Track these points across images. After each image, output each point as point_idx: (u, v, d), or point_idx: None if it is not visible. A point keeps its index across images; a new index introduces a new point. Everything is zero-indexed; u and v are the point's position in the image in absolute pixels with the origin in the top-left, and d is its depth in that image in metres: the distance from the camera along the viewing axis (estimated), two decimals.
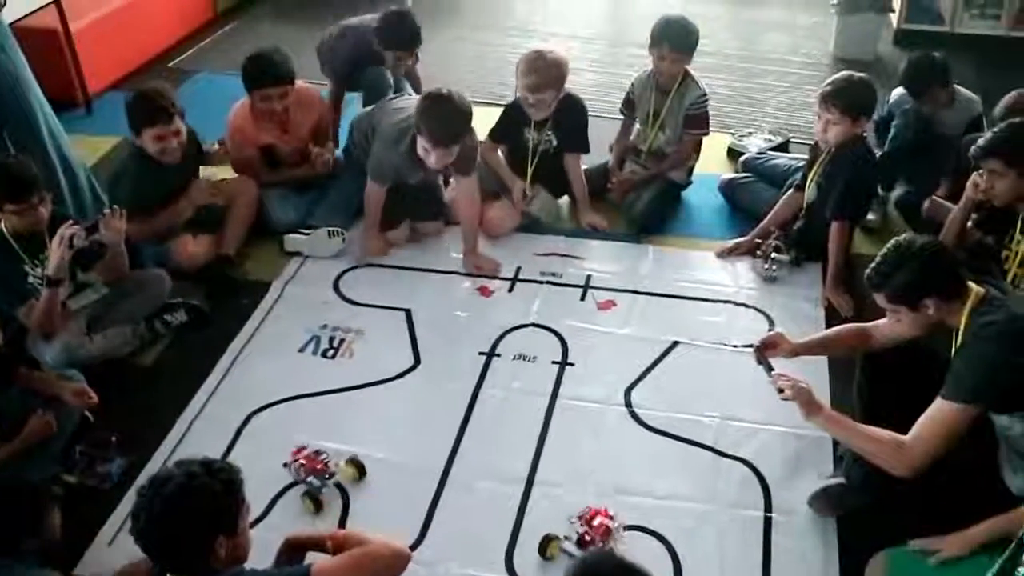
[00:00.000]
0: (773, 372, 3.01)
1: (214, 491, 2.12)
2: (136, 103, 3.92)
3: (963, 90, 4.43)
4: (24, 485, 2.70)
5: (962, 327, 2.69)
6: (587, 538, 2.84)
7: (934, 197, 4.05)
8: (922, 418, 2.65)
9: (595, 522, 2.86)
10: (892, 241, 2.82)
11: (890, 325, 2.93)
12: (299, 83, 4.44)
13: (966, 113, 4.37)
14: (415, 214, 4.41)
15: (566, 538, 2.87)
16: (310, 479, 3.06)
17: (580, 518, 2.89)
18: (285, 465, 3.12)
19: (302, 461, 3.09)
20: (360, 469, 3.14)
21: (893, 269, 2.73)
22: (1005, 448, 2.73)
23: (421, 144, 3.87)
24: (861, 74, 3.96)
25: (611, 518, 2.88)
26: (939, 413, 2.62)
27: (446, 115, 3.81)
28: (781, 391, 2.91)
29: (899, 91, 4.51)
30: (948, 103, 4.37)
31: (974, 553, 2.50)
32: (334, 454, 3.15)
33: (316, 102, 4.57)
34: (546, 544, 2.86)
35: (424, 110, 3.82)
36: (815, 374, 3.38)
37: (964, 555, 2.51)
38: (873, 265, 2.81)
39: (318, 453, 3.12)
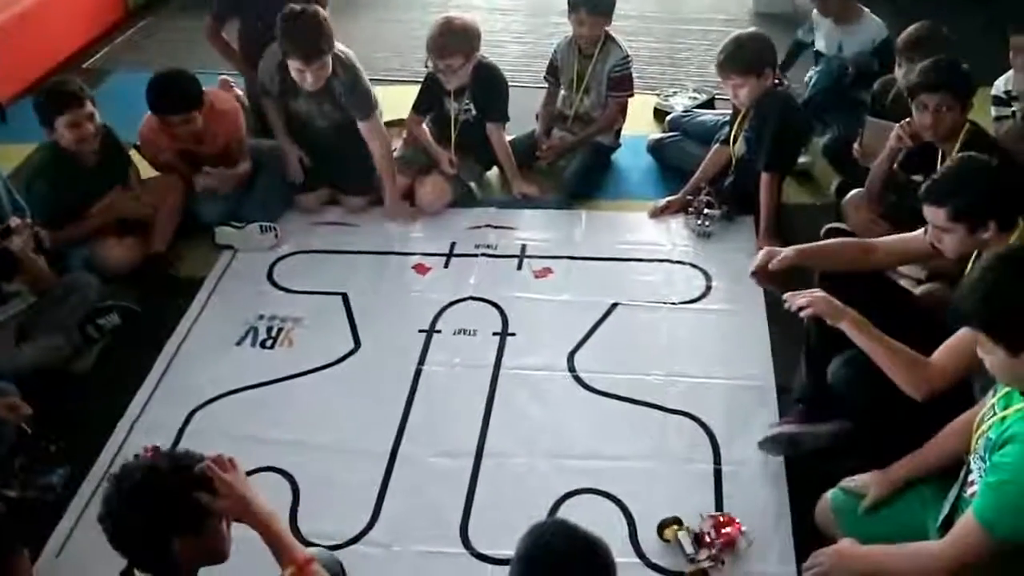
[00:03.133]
0: (785, 294, 2.85)
1: (169, 491, 1.99)
2: (44, 95, 3.86)
3: (872, 15, 4.53)
4: None
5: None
6: (707, 539, 2.72)
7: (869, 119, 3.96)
8: (945, 344, 2.54)
9: (725, 529, 2.73)
10: (959, 157, 2.76)
11: (910, 240, 2.88)
12: (214, 91, 4.33)
13: (868, 34, 4.46)
14: (341, 183, 4.42)
15: (687, 528, 2.76)
16: None
17: (712, 517, 2.77)
18: None
19: None
20: None
21: (961, 185, 2.62)
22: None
23: (292, 67, 3.98)
24: (749, 30, 4.03)
25: (743, 533, 2.74)
26: (963, 342, 2.45)
27: (300, 31, 3.90)
28: (801, 308, 2.74)
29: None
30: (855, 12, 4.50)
31: (900, 492, 2.52)
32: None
33: (232, 114, 4.38)
34: (665, 526, 2.76)
35: (282, 30, 3.93)
36: (754, 325, 3.48)
37: (886, 496, 2.52)
38: (936, 178, 2.69)
39: None
